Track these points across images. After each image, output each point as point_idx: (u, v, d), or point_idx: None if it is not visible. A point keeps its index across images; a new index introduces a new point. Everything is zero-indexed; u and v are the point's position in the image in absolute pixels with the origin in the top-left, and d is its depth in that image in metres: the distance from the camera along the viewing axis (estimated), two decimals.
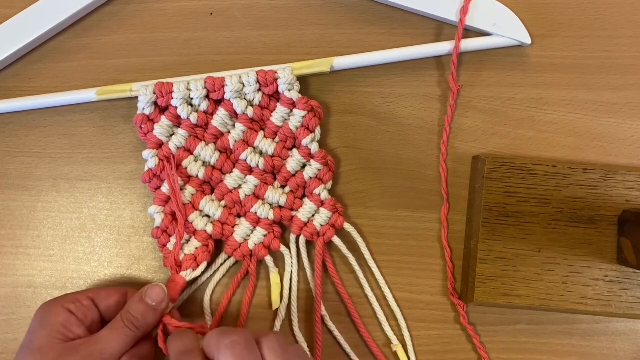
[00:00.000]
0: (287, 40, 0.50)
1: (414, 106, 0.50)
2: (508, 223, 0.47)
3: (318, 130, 0.47)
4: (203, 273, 0.48)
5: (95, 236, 0.50)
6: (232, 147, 0.47)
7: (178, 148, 0.47)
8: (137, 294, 0.44)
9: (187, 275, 0.46)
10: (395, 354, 0.48)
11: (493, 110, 0.50)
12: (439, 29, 0.50)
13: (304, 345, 0.48)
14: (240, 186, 0.48)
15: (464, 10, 0.47)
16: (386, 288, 0.49)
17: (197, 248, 0.47)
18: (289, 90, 0.46)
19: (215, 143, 0.48)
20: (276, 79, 0.46)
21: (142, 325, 0.42)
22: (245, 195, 0.47)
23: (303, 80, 0.48)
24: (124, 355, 0.42)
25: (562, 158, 0.50)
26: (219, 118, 0.47)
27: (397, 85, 0.50)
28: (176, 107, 0.46)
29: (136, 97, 0.47)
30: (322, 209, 0.47)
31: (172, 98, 0.46)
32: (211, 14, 0.51)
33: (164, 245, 0.47)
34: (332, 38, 0.50)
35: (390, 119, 0.50)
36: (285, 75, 0.46)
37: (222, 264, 0.49)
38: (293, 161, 0.47)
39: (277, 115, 0.47)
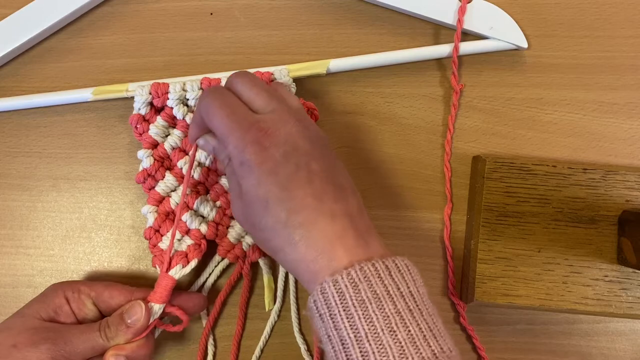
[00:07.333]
0: (287, 40, 0.50)
1: (414, 106, 0.50)
2: (508, 223, 0.47)
3: None
4: (198, 276, 0.48)
5: (95, 236, 0.50)
6: None
7: (173, 148, 0.47)
8: (120, 309, 0.43)
9: (177, 272, 0.45)
10: None
11: (493, 110, 0.50)
12: (438, 29, 0.50)
13: (302, 346, 0.48)
14: None
15: (462, 10, 0.47)
16: None
17: (189, 245, 0.46)
18: None
19: None
20: (272, 80, 0.46)
21: (113, 338, 0.42)
22: None
23: (300, 80, 0.48)
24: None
25: (562, 158, 0.50)
26: None
27: (397, 85, 0.50)
28: (172, 108, 0.46)
29: (132, 97, 0.47)
30: None
31: (168, 98, 0.46)
32: (211, 14, 0.51)
33: (155, 245, 0.46)
34: (331, 38, 0.50)
35: (391, 119, 0.50)
36: (282, 76, 0.46)
37: (215, 266, 0.48)
38: None
39: None
